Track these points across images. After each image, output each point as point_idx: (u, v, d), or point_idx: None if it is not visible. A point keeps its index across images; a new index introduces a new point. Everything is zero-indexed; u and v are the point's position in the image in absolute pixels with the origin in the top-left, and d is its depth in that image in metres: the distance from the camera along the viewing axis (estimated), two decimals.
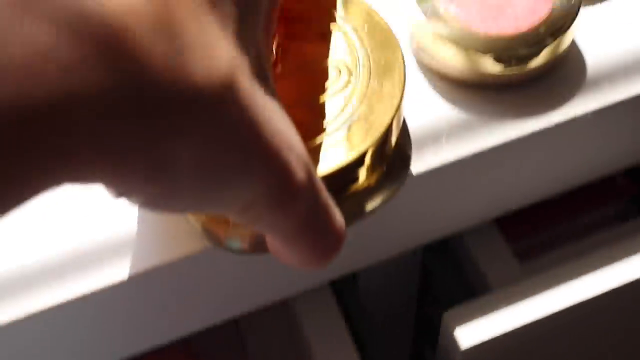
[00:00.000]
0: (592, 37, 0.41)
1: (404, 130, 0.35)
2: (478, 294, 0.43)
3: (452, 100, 0.39)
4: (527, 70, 0.38)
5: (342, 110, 0.30)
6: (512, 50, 0.37)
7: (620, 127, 0.41)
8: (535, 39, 0.38)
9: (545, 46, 0.37)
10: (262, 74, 0.25)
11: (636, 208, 0.54)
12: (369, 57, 0.31)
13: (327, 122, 0.30)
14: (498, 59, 0.37)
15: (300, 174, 0.26)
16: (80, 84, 0.19)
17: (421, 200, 0.39)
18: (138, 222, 0.35)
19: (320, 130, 0.30)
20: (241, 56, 0.24)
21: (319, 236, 0.28)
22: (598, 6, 0.42)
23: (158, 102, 0.21)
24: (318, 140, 0.30)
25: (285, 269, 0.38)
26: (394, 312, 0.53)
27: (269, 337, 0.55)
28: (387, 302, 0.51)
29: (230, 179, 0.24)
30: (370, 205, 0.32)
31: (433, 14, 0.39)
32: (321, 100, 0.30)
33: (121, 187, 0.22)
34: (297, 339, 0.46)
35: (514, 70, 0.38)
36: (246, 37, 0.25)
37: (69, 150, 0.20)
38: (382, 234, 0.40)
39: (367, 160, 0.30)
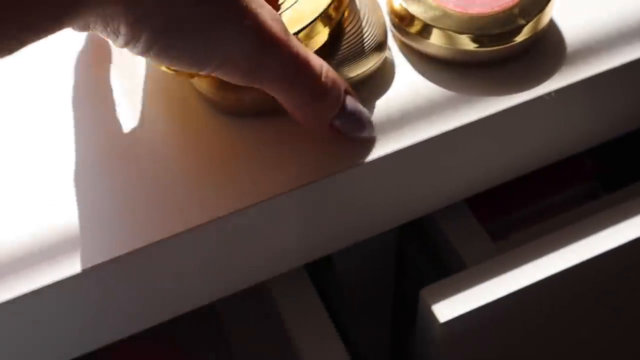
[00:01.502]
0: (571, 12, 0.42)
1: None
2: (453, 271, 0.43)
3: (433, 78, 0.40)
4: (505, 48, 0.39)
5: None
6: (486, 30, 0.39)
7: (591, 104, 0.43)
8: (509, 19, 0.39)
9: (518, 26, 0.39)
10: None
11: (603, 187, 0.55)
12: None
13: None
14: (474, 39, 0.39)
15: (275, 26, 0.30)
16: None
17: (398, 178, 0.39)
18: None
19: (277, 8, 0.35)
20: None
21: (301, 81, 0.32)
22: None
23: None
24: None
25: (262, 251, 0.39)
26: (372, 293, 0.53)
27: (250, 324, 0.55)
28: (365, 283, 0.52)
29: (214, 27, 0.29)
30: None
31: None
32: None
33: (132, 18, 0.28)
34: (276, 322, 0.46)
35: (491, 49, 0.39)
36: None
37: None
38: (356, 215, 0.40)
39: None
